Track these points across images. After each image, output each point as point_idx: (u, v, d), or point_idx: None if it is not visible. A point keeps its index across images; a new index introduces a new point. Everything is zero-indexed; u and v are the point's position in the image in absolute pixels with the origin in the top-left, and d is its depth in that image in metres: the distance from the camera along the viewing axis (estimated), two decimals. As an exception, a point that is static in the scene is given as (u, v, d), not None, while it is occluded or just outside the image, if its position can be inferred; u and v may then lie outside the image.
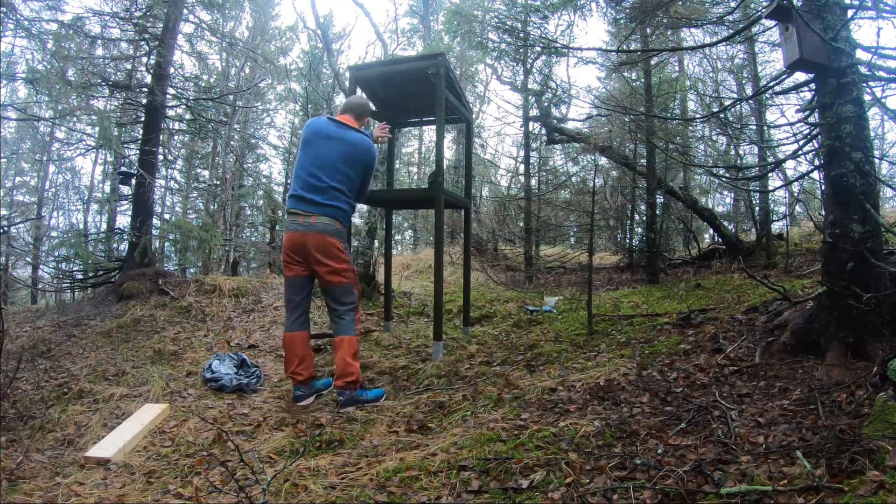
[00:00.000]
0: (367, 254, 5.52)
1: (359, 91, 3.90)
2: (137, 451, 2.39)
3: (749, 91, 7.75)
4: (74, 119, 7.84)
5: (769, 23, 3.06)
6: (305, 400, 2.94)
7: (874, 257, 2.35)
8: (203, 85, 8.05)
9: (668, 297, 4.90)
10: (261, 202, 16.85)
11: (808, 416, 1.90)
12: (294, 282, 2.97)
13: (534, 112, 8.88)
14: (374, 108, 3.36)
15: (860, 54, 2.55)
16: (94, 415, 2.81)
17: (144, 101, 6.15)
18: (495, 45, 8.19)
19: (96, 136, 6.72)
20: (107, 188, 13.52)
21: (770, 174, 5.65)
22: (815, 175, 3.27)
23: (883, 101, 2.64)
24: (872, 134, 2.85)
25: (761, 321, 3.04)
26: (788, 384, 2.24)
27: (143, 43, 6.31)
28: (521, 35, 8.00)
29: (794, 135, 3.07)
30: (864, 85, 2.51)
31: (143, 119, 6.22)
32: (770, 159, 5.89)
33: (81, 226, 13.71)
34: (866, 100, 2.51)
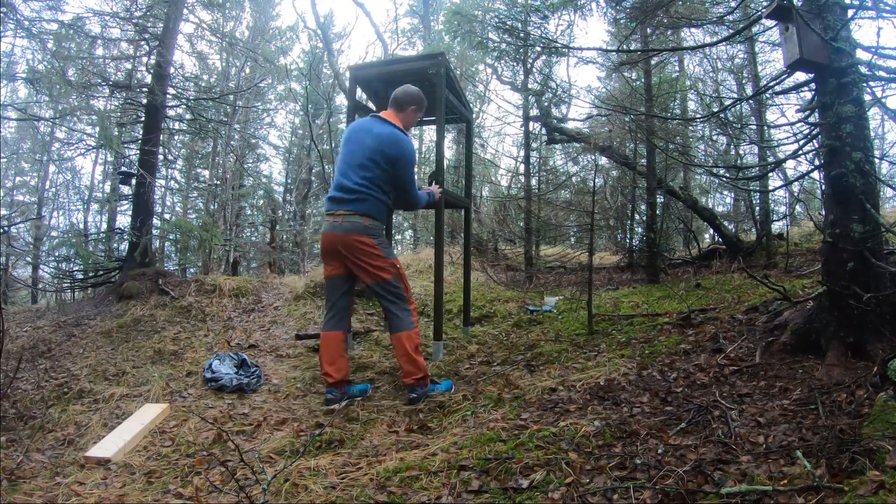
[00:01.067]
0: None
1: (405, 87, 3.12)
2: (137, 451, 2.39)
3: (749, 91, 7.75)
4: (74, 119, 7.84)
5: (769, 23, 3.06)
6: (335, 404, 2.80)
7: (874, 257, 2.35)
8: (203, 85, 8.06)
9: (668, 296, 4.90)
10: (261, 202, 16.87)
11: (808, 416, 1.90)
12: (331, 280, 2.96)
13: (534, 112, 8.88)
14: (422, 97, 3.06)
15: (860, 54, 2.55)
16: (94, 415, 2.82)
17: (144, 101, 6.15)
18: (495, 44, 8.19)
19: (96, 136, 6.73)
20: (107, 188, 13.53)
21: (770, 174, 5.64)
22: (815, 175, 3.27)
23: (883, 100, 2.64)
24: (872, 134, 2.84)
25: (761, 321, 3.04)
26: (788, 384, 2.24)
27: (143, 43, 6.31)
28: (521, 35, 8.00)
29: (794, 135, 3.07)
30: (864, 85, 2.51)
31: (143, 119, 6.22)
32: (770, 159, 5.89)
33: (81, 226, 13.71)
34: (866, 100, 2.51)
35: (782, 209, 8.12)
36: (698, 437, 1.86)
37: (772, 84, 4.09)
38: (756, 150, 8.08)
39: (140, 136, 6.23)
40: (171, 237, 7.55)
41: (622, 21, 5.84)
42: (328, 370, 2.84)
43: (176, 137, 10.82)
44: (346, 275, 2.93)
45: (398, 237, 17.29)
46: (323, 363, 2.87)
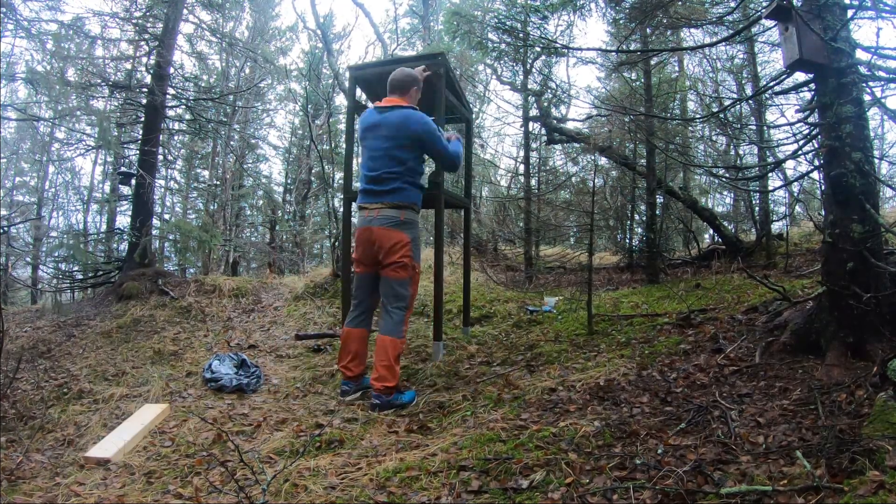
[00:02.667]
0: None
1: (398, 72, 3.12)
2: (137, 452, 2.39)
3: (749, 91, 7.74)
4: (74, 119, 7.84)
5: (769, 23, 3.06)
6: (351, 395, 2.90)
7: (874, 257, 2.35)
8: (203, 85, 8.05)
9: (668, 297, 4.90)
10: (261, 202, 16.85)
11: (808, 416, 1.90)
12: (361, 278, 2.97)
13: (534, 112, 8.87)
14: (418, 76, 3.08)
15: (860, 54, 2.55)
16: (94, 415, 2.81)
17: (144, 101, 6.15)
18: (495, 45, 8.17)
19: (96, 136, 6.73)
20: (107, 188, 13.51)
21: (770, 174, 5.64)
22: (815, 175, 3.27)
23: (883, 101, 2.64)
24: (872, 134, 2.85)
25: (761, 321, 3.04)
26: (788, 384, 2.24)
27: (143, 43, 6.32)
28: (521, 35, 7.99)
29: (794, 135, 3.08)
30: (864, 85, 2.51)
31: (143, 119, 6.22)
32: (770, 159, 5.88)
33: (81, 226, 13.70)
34: (866, 100, 2.51)
35: (782, 209, 8.12)
36: (698, 438, 1.86)
37: (771, 84, 4.08)
38: (756, 150, 8.06)
39: (140, 137, 6.23)
40: (170, 237, 7.56)
41: (621, 21, 5.83)
42: (348, 365, 2.91)
43: (176, 137, 10.81)
44: (375, 273, 2.92)
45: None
46: (342, 357, 2.93)
